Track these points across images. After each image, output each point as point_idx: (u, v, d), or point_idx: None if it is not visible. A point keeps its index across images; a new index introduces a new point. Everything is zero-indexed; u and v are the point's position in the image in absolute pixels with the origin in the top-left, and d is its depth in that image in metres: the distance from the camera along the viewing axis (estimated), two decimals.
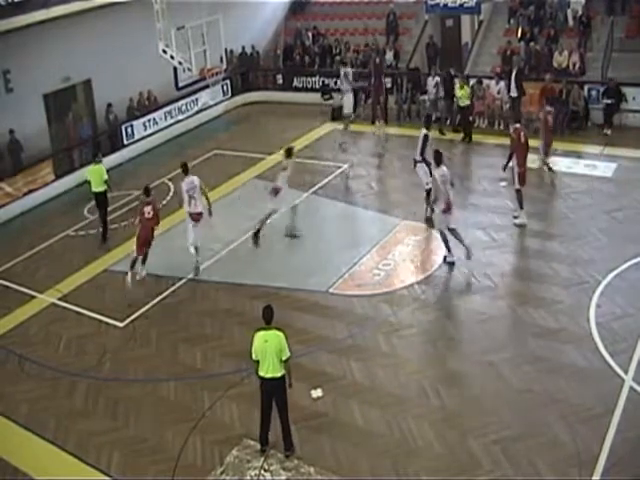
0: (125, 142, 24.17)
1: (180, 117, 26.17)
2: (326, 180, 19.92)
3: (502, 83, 22.63)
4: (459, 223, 15.31)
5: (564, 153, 20.17)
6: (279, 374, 9.97)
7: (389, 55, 26.87)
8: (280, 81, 28.95)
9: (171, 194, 20.11)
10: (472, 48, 26.50)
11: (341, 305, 14.13)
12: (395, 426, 10.72)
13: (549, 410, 10.68)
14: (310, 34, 29.71)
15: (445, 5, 26.22)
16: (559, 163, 19.59)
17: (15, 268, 17.31)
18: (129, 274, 15.30)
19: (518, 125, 16.43)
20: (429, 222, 16.44)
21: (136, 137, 24.54)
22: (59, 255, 17.78)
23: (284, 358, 9.93)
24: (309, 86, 28.11)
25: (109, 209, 18.62)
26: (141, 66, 24.00)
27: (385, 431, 10.66)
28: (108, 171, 18.60)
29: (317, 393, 11.54)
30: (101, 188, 18.04)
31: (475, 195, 18.44)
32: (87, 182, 18.41)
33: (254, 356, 10.01)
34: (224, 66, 25.23)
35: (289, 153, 16.67)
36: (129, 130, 24.34)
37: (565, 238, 15.63)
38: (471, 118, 22.56)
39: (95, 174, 18.02)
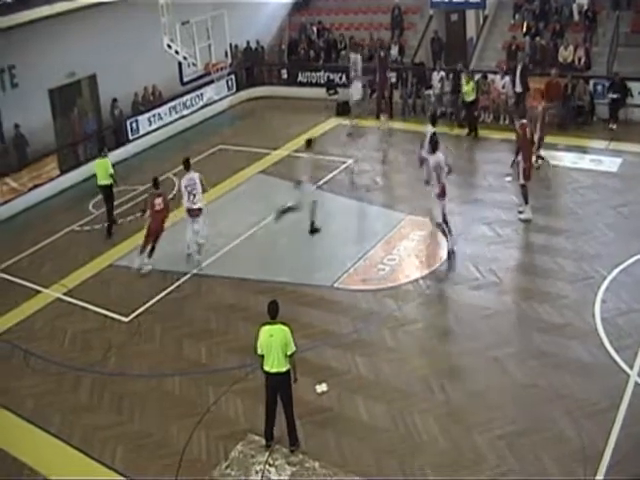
0: (130, 137, 24.19)
1: (185, 112, 26.16)
2: (331, 175, 19.90)
3: (507, 78, 22.54)
4: (466, 217, 15.32)
5: (569, 148, 20.16)
6: (284, 369, 9.97)
7: (394, 50, 26.81)
8: (285, 76, 28.90)
9: (176, 189, 19.93)
10: (477, 43, 26.44)
11: (346, 300, 14.13)
12: (400, 421, 10.73)
13: (554, 405, 10.67)
14: (315, 29, 29.66)
15: (450, 0, 26.17)
16: (564, 158, 19.59)
17: (20, 263, 17.35)
18: (137, 260, 15.88)
19: (524, 121, 16.39)
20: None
21: (141, 132, 24.55)
22: (64, 250, 17.81)
23: (289, 352, 9.92)
24: (314, 81, 28.05)
25: (115, 204, 18.68)
26: (146, 61, 23.98)
27: (390, 426, 10.67)
28: (113, 166, 18.62)
29: (322, 388, 11.54)
30: (106, 182, 18.13)
31: (480, 190, 18.41)
32: (94, 175, 18.61)
33: (259, 351, 10.01)
34: (229, 61, 25.28)
35: (309, 144, 16.66)
36: (134, 125, 24.35)
37: (570, 233, 15.59)
38: (476, 113, 22.48)
39: (101, 168, 18.15)
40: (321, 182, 19.35)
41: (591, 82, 22.19)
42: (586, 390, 10.89)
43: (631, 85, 21.49)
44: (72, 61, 22.53)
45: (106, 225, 18.34)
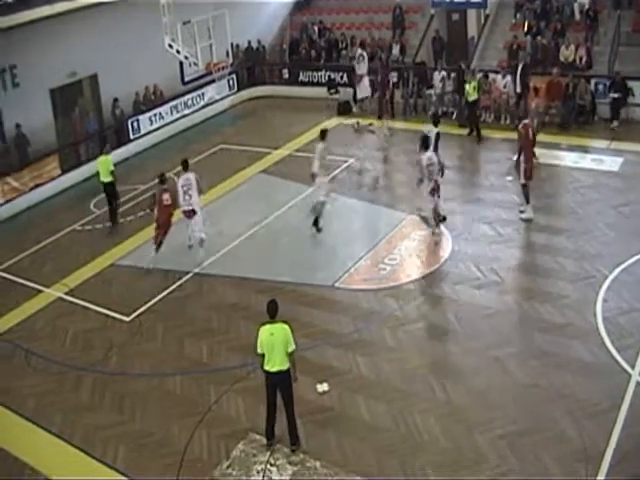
0: (131, 137, 24.21)
1: (186, 111, 26.18)
2: (332, 175, 19.86)
3: (508, 77, 22.53)
4: (467, 217, 15.32)
5: (571, 147, 20.17)
6: (285, 367, 9.99)
7: (395, 49, 26.83)
8: (286, 75, 28.91)
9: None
10: (478, 42, 26.41)
11: (347, 299, 14.14)
12: (401, 420, 10.72)
13: (555, 405, 10.66)
14: (316, 28, 29.66)
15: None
16: (565, 158, 19.58)
17: (22, 262, 17.36)
18: (153, 254, 16.02)
19: (527, 121, 16.36)
20: (437, 217, 16.36)
21: (142, 132, 24.57)
22: (66, 249, 17.82)
23: (290, 350, 9.95)
24: (315, 80, 28.05)
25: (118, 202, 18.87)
26: (147, 61, 23.98)
27: (391, 425, 10.66)
28: (115, 165, 18.67)
29: (323, 387, 11.54)
30: (108, 179, 18.28)
31: (481, 189, 18.41)
32: (96, 174, 18.86)
33: (259, 350, 10.01)
34: (230, 60, 25.27)
35: (323, 136, 16.75)
36: (135, 125, 24.37)
37: (572, 232, 15.58)
38: (478, 113, 22.43)
39: (102, 165, 18.40)
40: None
41: (592, 81, 22.16)
42: (587, 390, 10.88)
43: (632, 84, 21.46)
44: (73, 61, 22.55)
45: (109, 223, 18.54)
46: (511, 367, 11.62)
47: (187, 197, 15.71)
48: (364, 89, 23.52)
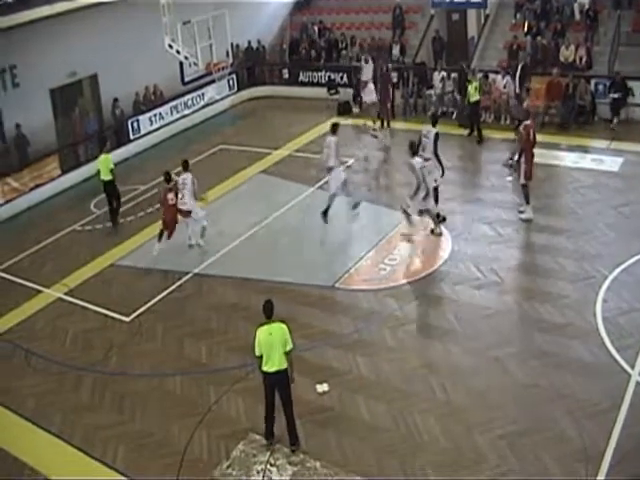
0: (131, 137, 24.21)
1: (186, 112, 26.19)
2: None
3: (508, 77, 22.52)
4: (467, 217, 15.31)
5: (571, 147, 20.17)
6: (284, 366, 10.01)
7: (395, 50, 26.84)
8: (286, 76, 28.91)
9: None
10: (478, 42, 26.42)
11: (347, 300, 14.14)
12: (401, 421, 10.72)
13: (555, 405, 10.66)
14: (316, 28, 29.68)
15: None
16: (565, 158, 19.59)
17: (22, 263, 17.36)
18: (157, 245, 16.25)
19: (528, 122, 16.33)
20: (438, 217, 16.36)
21: (142, 132, 24.57)
22: (65, 250, 17.81)
23: (288, 349, 9.98)
24: (315, 81, 28.06)
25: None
26: (147, 61, 23.98)
27: (391, 426, 10.66)
28: (115, 165, 18.70)
29: (323, 387, 11.54)
30: (108, 177, 18.35)
31: (481, 190, 18.42)
32: (96, 174, 18.94)
33: (257, 352, 10.02)
34: (230, 60, 25.28)
35: (334, 130, 16.83)
36: (135, 125, 24.36)
37: (571, 233, 15.58)
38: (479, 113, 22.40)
39: (103, 163, 18.45)
40: (322, 182, 19.36)
41: (592, 81, 22.17)
42: (587, 390, 10.88)
43: (632, 84, 21.47)
44: (73, 61, 22.54)
45: (110, 220, 18.61)
46: (511, 367, 11.62)
47: (181, 196, 15.92)
48: (369, 94, 23.37)
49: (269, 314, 10.06)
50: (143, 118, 24.65)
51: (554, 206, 17.16)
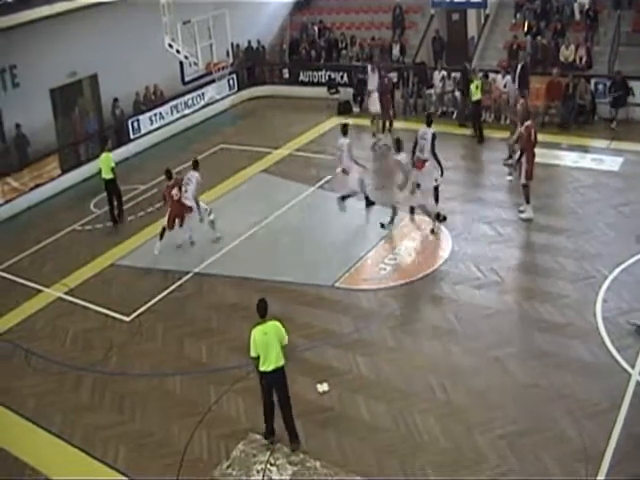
0: (131, 136, 24.20)
1: (186, 111, 26.18)
2: (332, 175, 19.86)
3: (508, 77, 22.50)
4: (467, 216, 15.31)
5: (571, 147, 20.17)
6: (281, 363, 10.06)
7: (395, 50, 26.84)
8: (286, 75, 28.89)
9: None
10: (478, 42, 26.42)
11: (347, 299, 14.13)
12: (401, 421, 10.72)
13: (555, 405, 10.66)
14: (316, 28, 29.66)
15: None
16: (565, 157, 19.59)
17: (22, 262, 17.36)
18: (158, 243, 16.30)
19: (529, 122, 16.30)
20: (438, 217, 16.36)
21: (142, 131, 24.56)
22: (66, 249, 17.81)
23: (285, 343, 10.09)
24: (315, 80, 28.02)
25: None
26: (147, 60, 23.96)
27: (391, 426, 10.66)
28: (115, 165, 18.69)
29: (323, 387, 11.54)
30: (109, 175, 18.37)
31: (481, 189, 18.42)
32: (97, 173, 19.03)
33: (253, 353, 10.04)
34: (230, 60, 25.26)
35: (345, 131, 16.93)
36: (135, 124, 24.35)
37: (571, 232, 15.58)
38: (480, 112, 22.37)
39: (104, 162, 18.47)
40: (322, 181, 19.40)
41: (592, 81, 22.15)
42: (587, 390, 10.88)
43: (632, 84, 21.44)
44: (73, 61, 22.54)
45: (110, 218, 18.65)
46: (511, 367, 11.62)
47: (184, 190, 16.12)
48: (374, 104, 23.19)
49: (263, 313, 10.10)
50: (143, 118, 24.64)
51: (554, 206, 17.15)
